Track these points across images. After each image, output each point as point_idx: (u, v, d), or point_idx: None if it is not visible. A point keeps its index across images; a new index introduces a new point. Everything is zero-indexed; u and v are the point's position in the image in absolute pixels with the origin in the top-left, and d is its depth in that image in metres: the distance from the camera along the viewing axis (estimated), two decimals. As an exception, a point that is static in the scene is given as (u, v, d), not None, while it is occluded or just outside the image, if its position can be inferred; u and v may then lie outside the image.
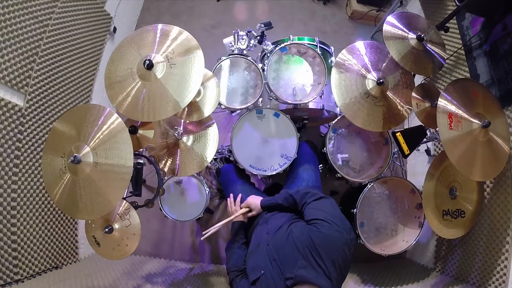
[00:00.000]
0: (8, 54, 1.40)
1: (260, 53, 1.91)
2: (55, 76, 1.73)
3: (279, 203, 1.28)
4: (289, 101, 1.63)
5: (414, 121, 1.69)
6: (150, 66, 1.18)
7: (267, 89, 1.63)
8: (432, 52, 1.52)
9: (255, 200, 1.39)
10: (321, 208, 1.07)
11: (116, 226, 1.30)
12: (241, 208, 1.43)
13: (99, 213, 1.13)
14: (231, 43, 1.73)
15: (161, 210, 1.66)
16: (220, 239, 2.19)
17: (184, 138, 1.54)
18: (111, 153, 1.09)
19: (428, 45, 1.52)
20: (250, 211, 1.40)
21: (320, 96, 1.67)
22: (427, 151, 2.12)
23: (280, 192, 1.35)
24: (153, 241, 2.19)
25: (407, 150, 1.53)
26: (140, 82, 1.21)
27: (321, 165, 1.81)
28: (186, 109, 1.47)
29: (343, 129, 1.78)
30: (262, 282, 0.99)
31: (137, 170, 1.29)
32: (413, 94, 1.49)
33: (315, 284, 0.86)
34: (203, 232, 1.36)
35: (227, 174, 1.72)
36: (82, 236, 1.88)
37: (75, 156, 1.06)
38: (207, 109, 1.48)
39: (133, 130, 1.36)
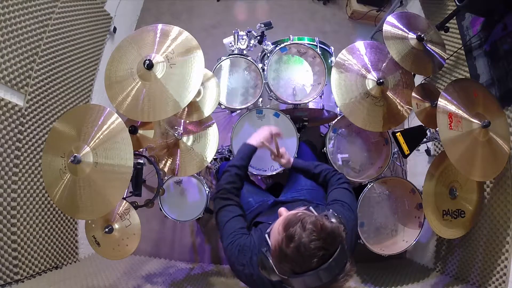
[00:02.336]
0: (8, 54, 1.40)
1: (260, 53, 1.90)
2: (55, 76, 1.73)
3: (315, 173, 1.22)
4: (289, 101, 1.63)
5: (414, 121, 1.69)
6: (150, 66, 1.18)
7: (267, 89, 1.63)
8: (432, 52, 1.52)
9: (289, 155, 1.31)
10: (344, 195, 1.09)
11: (116, 226, 1.31)
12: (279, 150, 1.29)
13: (99, 213, 1.13)
14: (231, 43, 1.72)
15: (161, 210, 1.66)
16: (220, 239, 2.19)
17: (184, 138, 1.54)
18: (111, 153, 1.10)
19: (428, 45, 1.51)
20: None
21: (320, 96, 1.67)
22: (427, 151, 2.11)
23: (317, 163, 1.27)
24: (153, 241, 2.19)
25: (407, 150, 1.53)
26: (140, 82, 1.22)
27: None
28: (186, 109, 1.47)
29: (343, 129, 1.78)
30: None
31: (137, 170, 1.30)
32: (413, 94, 1.49)
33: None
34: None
35: None
36: (82, 236, 1.88)
37: (75, 156, 1.06)
38: (207, 109, 1.48)
39: (133, 130, 1.37)
